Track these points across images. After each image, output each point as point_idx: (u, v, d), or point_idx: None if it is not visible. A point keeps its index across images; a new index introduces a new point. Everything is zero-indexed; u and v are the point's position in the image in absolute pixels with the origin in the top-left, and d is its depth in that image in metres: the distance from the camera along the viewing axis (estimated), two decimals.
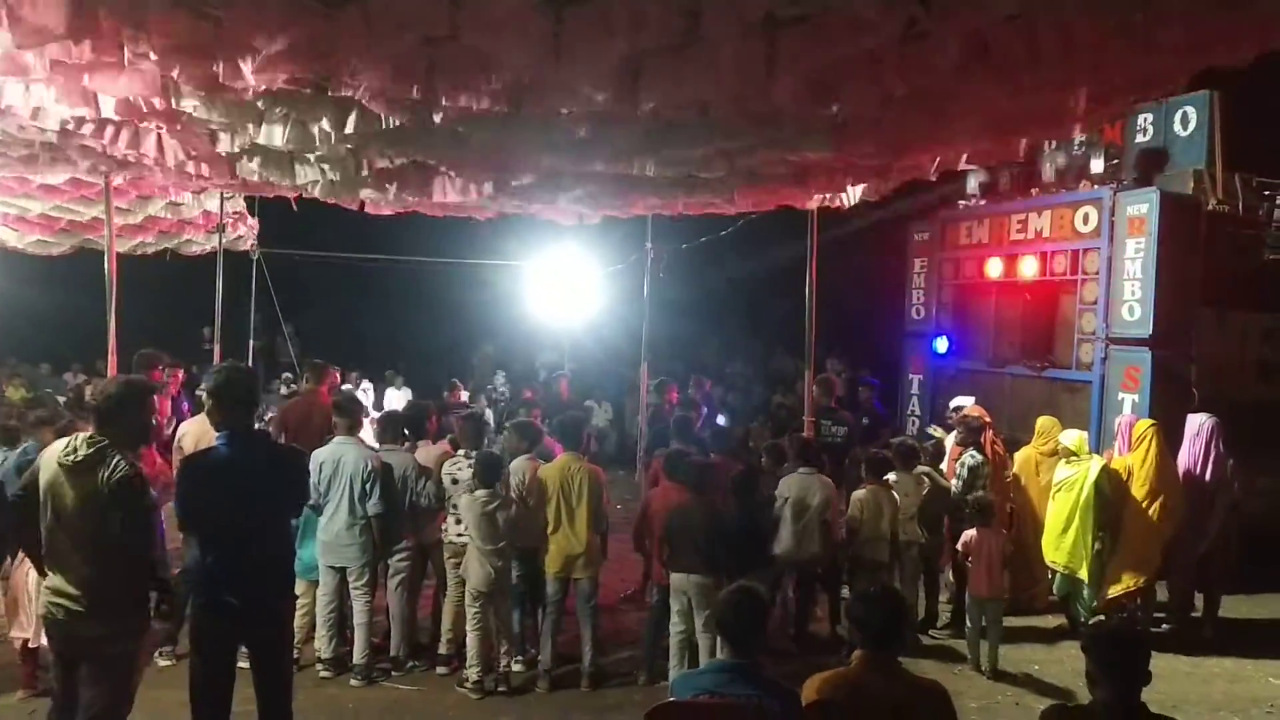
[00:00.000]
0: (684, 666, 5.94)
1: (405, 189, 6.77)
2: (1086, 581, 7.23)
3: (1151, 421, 7.48)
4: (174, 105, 4.91)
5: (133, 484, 3.88)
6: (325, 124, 5.08)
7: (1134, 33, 4.03)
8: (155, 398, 7.54)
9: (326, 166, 6.27)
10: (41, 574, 4.08)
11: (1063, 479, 7.34)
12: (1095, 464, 7.24)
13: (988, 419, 8.12)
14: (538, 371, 17.20)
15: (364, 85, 4.27)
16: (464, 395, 12.29)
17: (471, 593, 6.10)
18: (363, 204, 8.09)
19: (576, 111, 4.74)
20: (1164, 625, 7.60)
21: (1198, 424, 7.58)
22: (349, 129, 5.06)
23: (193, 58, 4.05)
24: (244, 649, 4.28)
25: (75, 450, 3.87)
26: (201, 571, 4.15)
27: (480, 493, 6.05)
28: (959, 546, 6.90)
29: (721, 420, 11.63)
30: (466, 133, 5.28)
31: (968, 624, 6.85)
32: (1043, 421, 8.24)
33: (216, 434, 4.22)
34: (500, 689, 6.11)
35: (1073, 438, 7.42)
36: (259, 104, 4.97)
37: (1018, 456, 8.17)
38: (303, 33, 3.83)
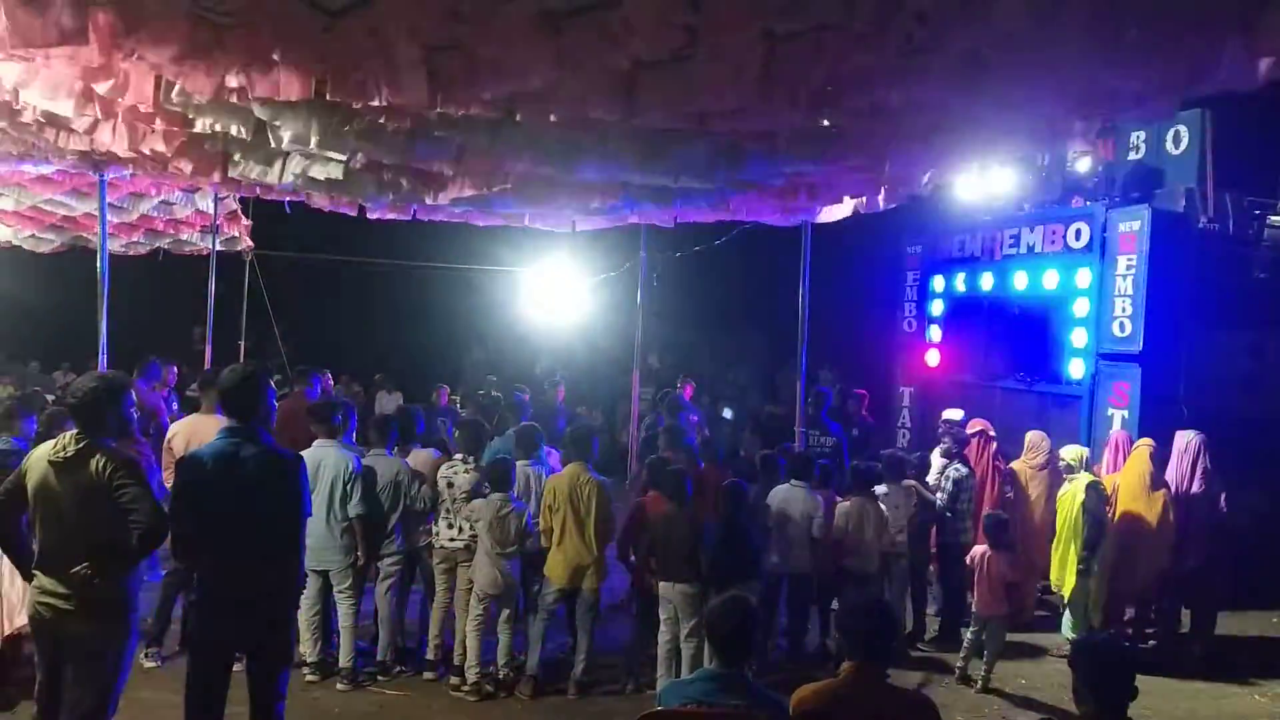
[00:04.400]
0: (671, 675, 5.94)
1: (400, 190, 6.75)
2: (1067, 599, 7.24)
3: (1147, 441, 7.51)
4: (166, 107, 4.90)
5: (132, 464, 3.90)
6: (319, 126, 5.06)
7: (1127, 50, 4.06)
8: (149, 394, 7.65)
9: (321, 165, 6.25)
10: (26, 576, 4.04)
11: (1060, 495, 7.35)
12: (1082, 481, 7.25)
13: (991, 433, 8.11)
14: (540, 380, 17.17)
15: (362, 93, 4.27)
16: (447, 398, 12.21)
17: (478, 594, 6.13)
18: (362, 209, 8.08)
19: (574, 120, 4.75)
20: (1150, 641, 7.63)
21: (1185, 441, 7.61)
22: (344, 131, 5.05)
23: (192, 64, 4.03)
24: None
25: (65, 448, 3.85)
26: (196, 570, 4.12)
27: (495, 496, 6.13)
28: (967, 560, 6.88)
29: (728, 413, 11.67)
30: (462, 140, 5.29)
31: (967, 636, 6.81)
32: (1032, 436, 8.27)
33: (218, 430, 4.21)
34: (495, 692, 6.13)
35: (1071, 452, 7.41)
36: (254, 109, 4.95)
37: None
38: (302, 40, 3.82)
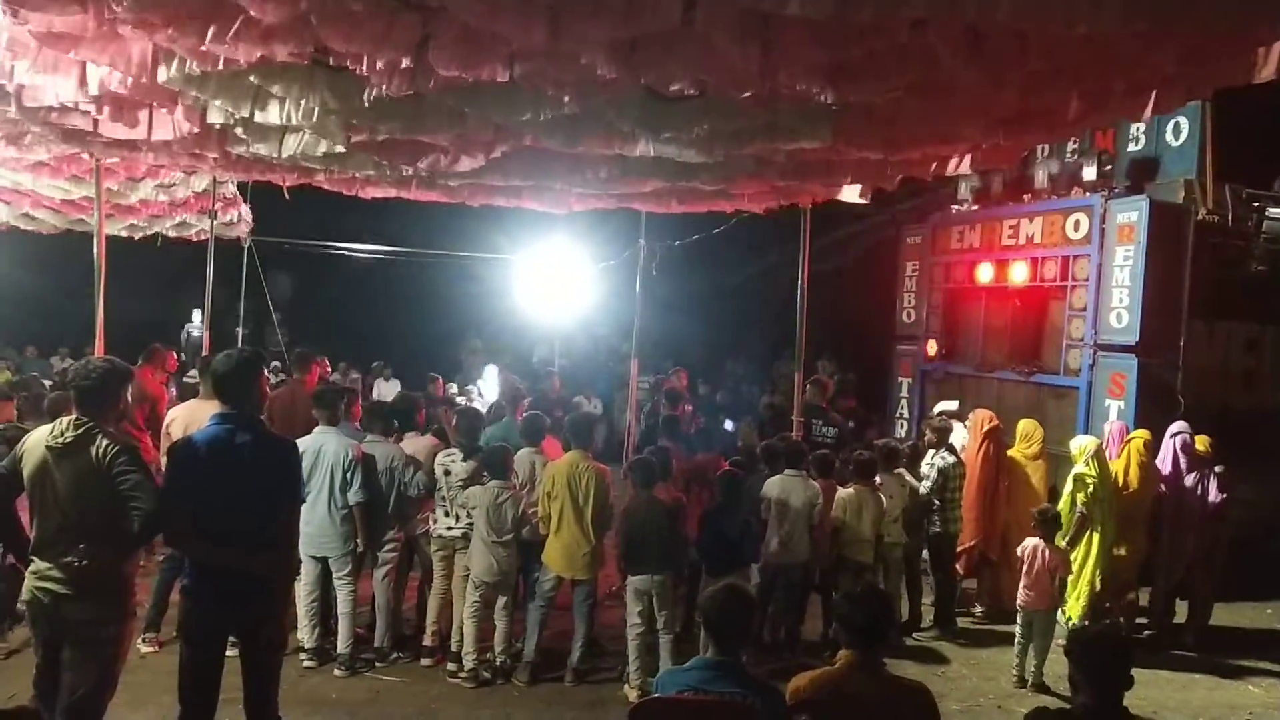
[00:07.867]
0: (643, 665, 5.98)
1: (398, 159, 6.71)
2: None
3: (1140, 433, 7.51)
4: (165, 79, 4.87)
5: (133, 450, 3.88)
6: (317, 97, 5.03)
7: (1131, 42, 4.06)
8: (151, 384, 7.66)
9: (319, 138, 6.21)
10: (21, 561, 4.04)
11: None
12: (1072, 473, 7.22)
13: (997, 423, 8.07)
14: (536, 367, 17.19)
15: (356, 56, 4.28)
16: (449, 388, 12.22)
17: (474, 582, 6.14)
18: (355, 190, 8.04)
19: (572, 86, 4.73)
20: (1145, 631, 7.66)
21: (1178, 432, 7.62)
22: (340, 102, 5.03)
23: (187, 25, 4.01)
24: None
25: (63, 433, 3.84)
26: (189, 555, 4.12)
27: (493, 483, 6.13)
28: (1018, 553, 6.76)
29: (730, 426, 11.69)
30: (459, 106, 5.25)
31: (1017, 635, 6.66)
32: (1024, 425, 8.26)
33: (212, 415, 4.18)
34: (492, 679, 6.15)
35: (1075, 445, 7.36)
36: (252, 78, 4.92)
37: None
38: (294, 5, 3.81)
